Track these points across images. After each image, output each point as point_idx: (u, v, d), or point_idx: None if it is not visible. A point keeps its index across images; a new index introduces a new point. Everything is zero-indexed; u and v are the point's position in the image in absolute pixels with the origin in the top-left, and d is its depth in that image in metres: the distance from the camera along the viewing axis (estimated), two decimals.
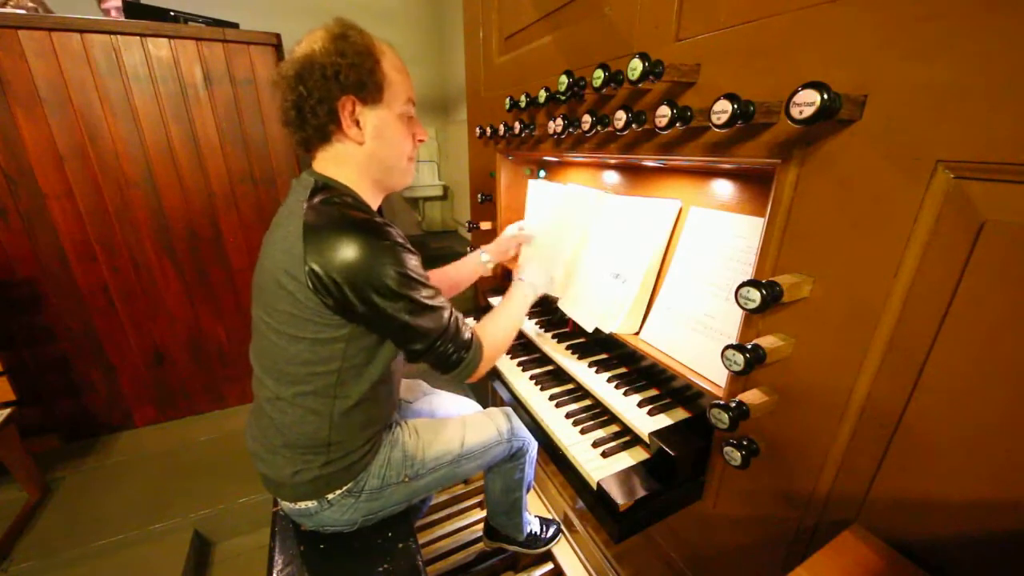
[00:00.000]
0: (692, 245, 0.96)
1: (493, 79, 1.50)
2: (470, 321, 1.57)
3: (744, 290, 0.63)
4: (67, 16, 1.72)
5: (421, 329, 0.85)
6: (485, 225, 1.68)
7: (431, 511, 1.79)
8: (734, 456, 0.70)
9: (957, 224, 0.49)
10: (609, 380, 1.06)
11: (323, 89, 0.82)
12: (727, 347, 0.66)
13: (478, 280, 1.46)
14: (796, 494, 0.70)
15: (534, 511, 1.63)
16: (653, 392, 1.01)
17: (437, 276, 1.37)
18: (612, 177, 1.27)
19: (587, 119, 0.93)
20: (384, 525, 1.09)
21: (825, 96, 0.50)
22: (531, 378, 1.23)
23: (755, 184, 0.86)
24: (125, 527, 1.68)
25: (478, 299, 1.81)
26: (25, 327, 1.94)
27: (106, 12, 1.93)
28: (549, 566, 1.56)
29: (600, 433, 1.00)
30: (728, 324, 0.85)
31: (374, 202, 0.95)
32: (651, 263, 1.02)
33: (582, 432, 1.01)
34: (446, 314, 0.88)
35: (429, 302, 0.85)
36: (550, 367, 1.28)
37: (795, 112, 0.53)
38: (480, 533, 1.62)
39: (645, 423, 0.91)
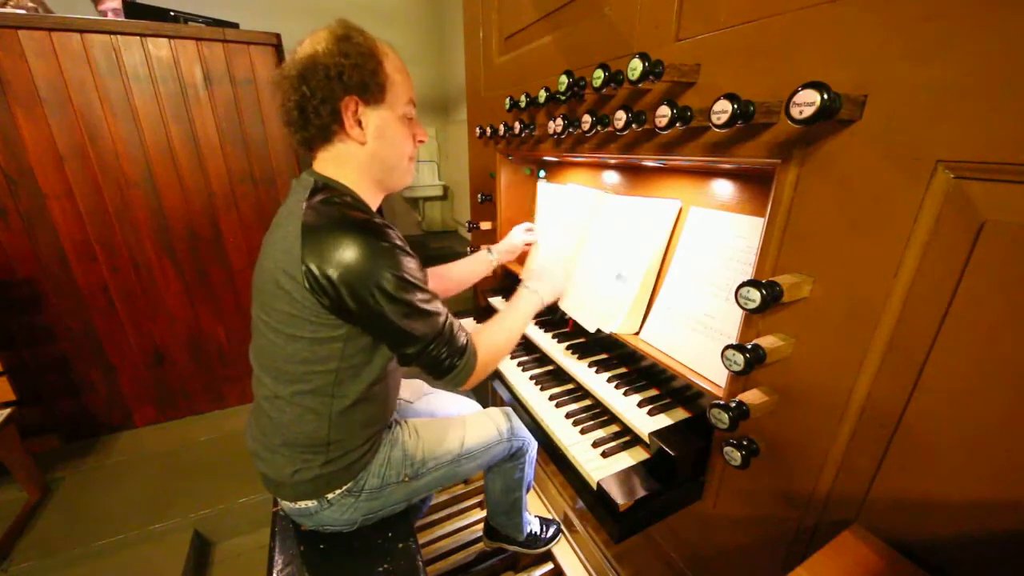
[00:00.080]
0: (692, 245, 0.96)
1: (493, 79, 1.50)
2: (470, 324, 1.59)
3: (744, 290, 0.63)
4: (67, 16, 1.72)
5: (414, 333, 0.84)
6: (485, 225, 1.68)
7: (431, 511, 1.79)
8: (734, 456, 0.70)
9: (957, 224, 0.49)
10: (609, 380, 1.06)
11: (326, 89, 0.83)
12: (727, 347, 0.66)
13: (478, 280, 1.46)
14: (796, 494, 0.70)
15: (534, 511, 1.63)
16: (653, 392, 1.01)
17: (442, 273, 1.37)
18: (612, 177, 1.27)
19: (587, 119, 0.93)
20: (384, 525, 1.09)
21: (825, 96, 0.50)
22: (531, 378, 1.23)
23: (755, 184, 0.86)
24: (125, 527, 1.68)
25: (478, 299, 1.81)
26: (25, 327, 1.94)
27: (103, 14, 1.93)
28: (549, 566, 1.56)
29: (600, 433, 1.00)
30: (728, 324, 0.85)
31: (374, 202, 0.95)
32: (651, 263, 1.02)
33: (582, 432, 1.01)
34: (440, 319, 0.87)
35: (424, 306, 0.84)
36: (550, 367, 1.28)
37: (795, 112, 0.53)
38: (480, 533, 1.62)
39: (645, 423, 0.91)
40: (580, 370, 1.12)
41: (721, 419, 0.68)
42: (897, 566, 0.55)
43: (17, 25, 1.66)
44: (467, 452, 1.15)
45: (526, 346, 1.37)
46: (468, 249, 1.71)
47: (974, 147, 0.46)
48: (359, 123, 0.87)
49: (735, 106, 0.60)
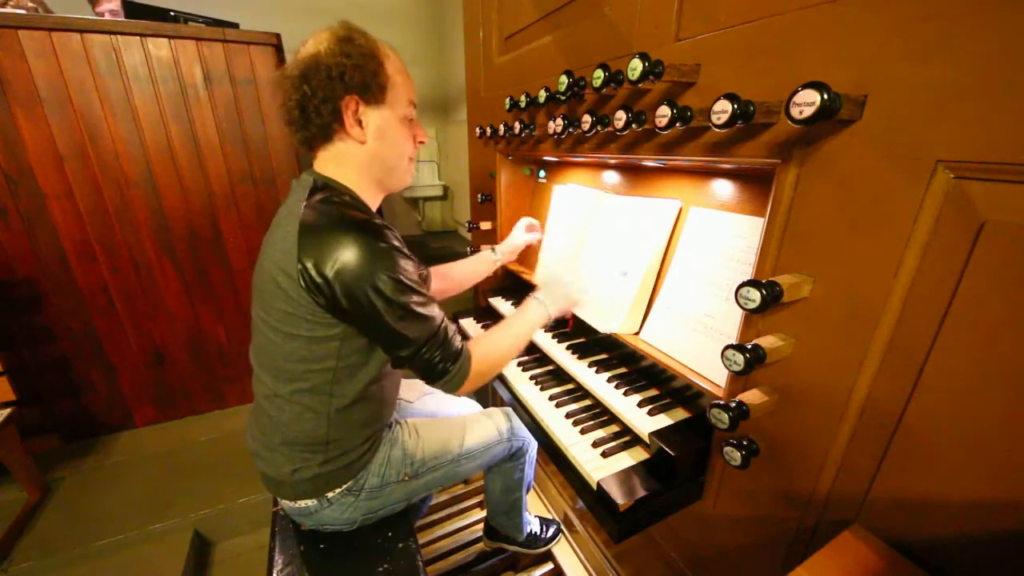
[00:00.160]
0: (692, 245, 0.96)
1: (493, 79, 1.50)
2: (470, 323, 1.59)
3: (744, 290, 0.63)
4: (67, 16, 1.72)
5: (408, 336, 0.84)
6: (485, 225, 1.68)
7: (431, 511, 1.79)
8: (734, 456, 0.70)
9: (957, 224, 0.49)
10: (609, 380, 1.06)
11: (327, 89, 0.83)
12: (727, 347, 0.67)
13: (481, 280, 1.46)
14: (796, 494, 0.70)
15: (534, 511, 1.63)
16: (653, 392, 1.01)
17: (444, 272, 1.37)
18: (612, 177, 1.27)
19: (587, 119, 0.93)
20: (384, 525, 1.09)
21: (825, 96, 0.50)
22: (531, 378, 1.23)
23: (755, 184, 0.86)
24: (125, 527, 1.68)
25: (478, 299, 1.81)
26: (25, 327, 1.94)
27: (100, 15, 1.92)
28: (549, 566, 1.56)
29: (600, 433, 1.00)
30: (728, 324, 0.85)
31: (374, 203, 0.95)
32: (651, 263, 1.02)
33: (582, 432, 1.01)
34: (435, 323, 0.87)
35: (419, 309, 0.84)
36: (550, 367, 1.28)
37: (795, 112, 0.53)
38: (480, 533, 1.62)
39: (645, 423, 0.91)
40: (580, 370, 1.12)
41: (721, 419, 0.68)
42: (897, 566, 0.55)
43: (17, 25, 1.66)
44: (467, 452, 1.15)
45: (527, 346, 1.37)
46: (468, 249, 1.71)
47: (974, 147, 0.46)
48: (359, 122, 0.87)
49: (735, 106, 0.60)
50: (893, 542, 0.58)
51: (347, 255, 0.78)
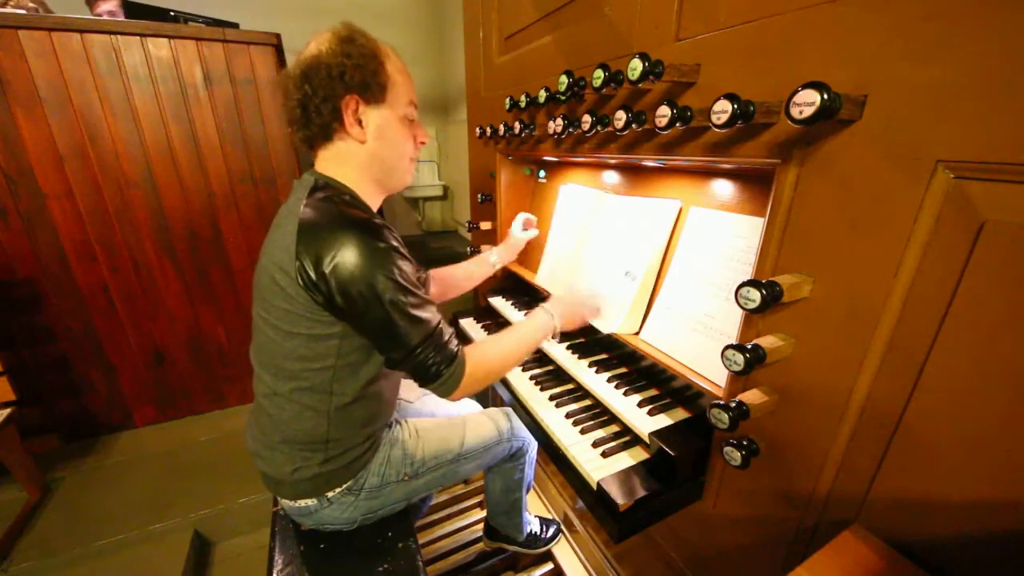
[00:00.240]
0: (692, 245, 0.96)
1: (493, 79, 1.50)
2: (470, 323, 1.59)
3: (744, 290, 0.63)
4: (67, 16, 1.72)
5: (402, 337, 0.83)
6: (485, 225, 1.68)
7: (431, 511, 1.79)
8: (734, 456, 0.70)
9: (957, 224, 0.49)
10: (609, 380, 1.06)
11: (328, 88, 0.84)
12: (727, 347, 0.67)
13: (480, 282, 1.46)
14: (796, 494, 0.70)
15: (534, 511, 1.63)
16: (653, 392, 1.01)
17: (443, 276, 1.37)
18: (612, 177, 1.27)
19: (587, 119, 0.93)
20: (384, 525, 1.09)
21: (825, 96, 0.50)
22: (531, 378, 1.23)
23: (755, 184, 0.86)
24: (125, 527, 1.68)
25: (478, 299, 1.81)
26: (25, 327, 1.94)
27: (98, 16, 1.92)
28: (549, 566, 1.56)
29: (600, 433, 1.00)
30: (728, 324, 0.85)
31: (374, 203, 0.95)
32: (651, 263, 1.02)
33: (582, 432, 1.01)
34: (431, 324, 0.86)
35: (414, 311, 0.83)
36: (550, 367, 1.28)
37: (795, 112, 0.53)
38: (480, 533, 1.62)
39: (645, 423, 0.91)
40: (580, 370, 1.12)
41: (721, 419, 0.68)
42: (897, 566, 0.55)
43: (17, 25, 1.66)
44: (467, 452, 1.15)
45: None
46: (468, 249, 1.71)
47: (974, 147, 0.46)
48: (359, 122, 0.87)
49: (735, 106, 0.60)
50: (893, 542, 0.58)
51: (345, 253, 0.78)
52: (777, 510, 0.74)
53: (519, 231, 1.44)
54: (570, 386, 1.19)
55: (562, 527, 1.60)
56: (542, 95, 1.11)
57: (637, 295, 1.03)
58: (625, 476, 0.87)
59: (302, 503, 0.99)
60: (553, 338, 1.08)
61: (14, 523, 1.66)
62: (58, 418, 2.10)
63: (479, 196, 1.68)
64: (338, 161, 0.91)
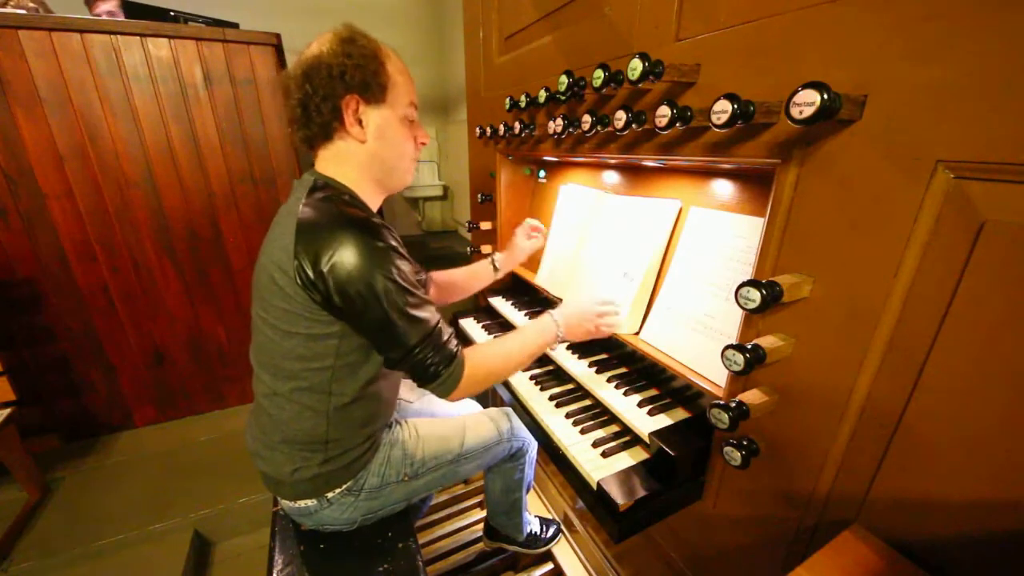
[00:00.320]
0: (692, 245, 0.96)
1: (493, 79, 1.50)
2: (470, 324, 1.59)
3: (744, 290, 0.63)
4: (67, 16, 1.72)
5: (400, 337, 0.83)
6: (485, 225, 1.68)
7: (431, 511, 1.79)
8: (734, 456, 0.70)
9: (957, 224, 0.49)
10: (609, 380, 1.06)
11: (328, 87, 0.84)
12: (727, 347, 0.67)
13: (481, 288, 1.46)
14: (796, 494, 0.70)
15: (534, 511, 1.63)
16: (653, 392, 1.01)
17: (443, 281, 1.37)
18: (612, 177, 1.27)
19: (587, 119, 0.93)
20: (384, 525, 1.09)
21: (825, 96, 0.50)
22: (531, 378, 1.23)
23: (755, 184, 0.86)
24: (125, 527, 1.68)
25: (478, 299, 1.81)
26: (25, 327, 1.93)
27: (98, 16, 1.92)
28: (549, 566, 1.56)
29: (600, 433, 1.00)
30: (728, 324, 0.85)
31: (374, 203, 0.95)
32: (651, 263, 1.02)
33: (582, 432, 1.01)
34: (429, 325, 0.85)
35: (413, 311, 0.83)
36: (550, 367, 1.28)
37: (795, 112, 0.53)
38: (480, 533, 1.61)
39: (645, 423, 0.91)
40: (580, 370, 1.12)
41: (721, 419, 0.68)
42: (897, 566, 0.55)
43: (17, 25, 1.65)
44: (467, 452, 1.15)
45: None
46: (468, 249, 1.71)
47: (974, 147, 0.46)
48: (359, 121, 0.87)
49: (735, 106, 0.60)
50: (893, 542, 0.58)
51: (343, 252, 0.77)
52: (777, 510, 0.74)
53: (523, 240, 1.39)
54: (570, 386, 1.19)
55: (562, 527, 1.60)
56: (542, 95, 1.11)
57: (637, 295, 1.03)
58: (625, 476, 0.87)
59: (302, 503, 0.99)
60: (558, 345, 1.08)
61: (14, 523, 1.66)
62: (58, 418, 2.10)
63: (479, 196, 1.68)
64: (338, 161, 0.91)
